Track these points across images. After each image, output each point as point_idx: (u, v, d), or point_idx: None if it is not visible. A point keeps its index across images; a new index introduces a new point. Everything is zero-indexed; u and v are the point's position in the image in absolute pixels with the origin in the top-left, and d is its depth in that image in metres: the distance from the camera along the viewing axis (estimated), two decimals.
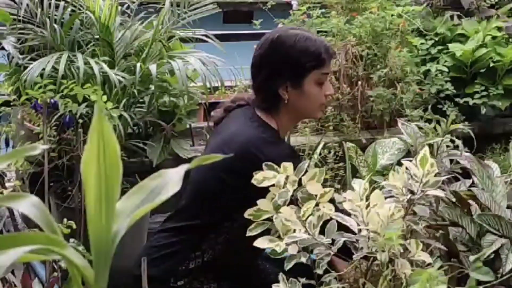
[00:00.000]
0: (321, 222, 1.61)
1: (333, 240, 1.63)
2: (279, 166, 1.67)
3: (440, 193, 1.71)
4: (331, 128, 3.69)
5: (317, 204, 1.64)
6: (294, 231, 1.60)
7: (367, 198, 1.63)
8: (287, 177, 1.66)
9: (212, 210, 2.06)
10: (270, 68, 2.09)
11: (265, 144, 2.02)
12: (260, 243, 1.62)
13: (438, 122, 2.11)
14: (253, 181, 1.65)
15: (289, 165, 1.67)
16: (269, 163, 1.68)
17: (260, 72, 2.12)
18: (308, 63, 2.06)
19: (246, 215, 1.65)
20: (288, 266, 1.59)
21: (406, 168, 1.70)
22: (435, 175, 1.68)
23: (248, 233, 1.65)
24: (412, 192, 1.67)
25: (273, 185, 1.65)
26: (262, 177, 1.67)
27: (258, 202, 1.65)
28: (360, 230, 1.60)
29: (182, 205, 2.13)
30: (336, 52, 3.81)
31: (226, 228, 2.05)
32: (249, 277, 2.15)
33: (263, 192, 1.65)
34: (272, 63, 2.09)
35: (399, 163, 1.81)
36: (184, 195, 2.12)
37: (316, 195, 1.65)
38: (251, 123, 2.09)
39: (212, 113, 3.61)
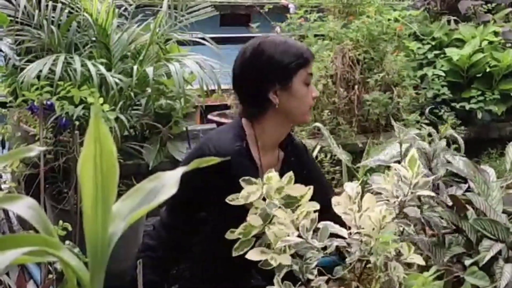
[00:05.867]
0: (314, 226, 1.61)
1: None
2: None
3: (430, 193, 1.71)
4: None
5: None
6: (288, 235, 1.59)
7: (360, 202, 1.63)
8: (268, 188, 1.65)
9: (186, 214, 2.06)
10: (256, 75, 2.08)
11: (215, 137, 2.05)
12: (252, 255, 1.59)
13: (434, 126, 2.11)
14: (240, 199, 1.65)
15: (274, 175, 1.67)
16: (246, 177, 1.68)
17: (245, 81, 2.11)
18: (294, 62, 2.07)
19: (235, 234, 1.65)
20: (280, 275, 1.58)
21: (395, 170, 1.70)
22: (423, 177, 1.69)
23: (234, 253, 1.64)
24: (402, 194, 1.68)
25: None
26: (247, 193, 1.65)
27: (249, 218, 1.64)
28: (355, 233, 1.60)
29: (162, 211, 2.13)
30: (333, 55, 3.82)
31: (204, 232, 2.04)
32: (239, 282, 2.12)
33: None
34: (257, 69, 2.08)
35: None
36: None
37: (298, 197, 1.65)
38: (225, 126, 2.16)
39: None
